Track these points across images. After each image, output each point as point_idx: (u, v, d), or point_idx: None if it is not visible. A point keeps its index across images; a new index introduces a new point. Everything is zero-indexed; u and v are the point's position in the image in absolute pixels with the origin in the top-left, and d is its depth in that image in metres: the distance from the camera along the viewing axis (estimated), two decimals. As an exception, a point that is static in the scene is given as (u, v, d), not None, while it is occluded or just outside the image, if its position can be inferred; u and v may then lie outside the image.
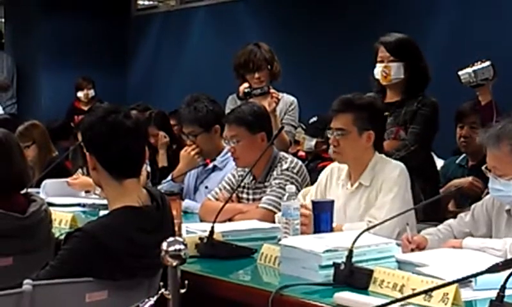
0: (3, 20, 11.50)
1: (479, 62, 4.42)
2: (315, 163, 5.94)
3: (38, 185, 5.51)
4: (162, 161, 6.19)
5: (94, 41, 10.37)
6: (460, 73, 4.42)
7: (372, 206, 3.75)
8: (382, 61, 4.58)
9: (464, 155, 5.27)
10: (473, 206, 3.51)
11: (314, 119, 6.17)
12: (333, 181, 3.97)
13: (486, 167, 3.32)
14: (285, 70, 5.53)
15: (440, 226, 3.50)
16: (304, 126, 6.31)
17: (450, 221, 3.52)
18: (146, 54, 10.58)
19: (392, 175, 3.76)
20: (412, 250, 3.26)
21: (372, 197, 3.78)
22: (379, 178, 3.78)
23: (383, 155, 3.87)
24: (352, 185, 3.86)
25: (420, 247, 3.29)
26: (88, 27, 10.40)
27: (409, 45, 4.61)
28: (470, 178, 4.92)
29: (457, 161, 5.32)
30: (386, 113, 4.53)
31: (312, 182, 4.24)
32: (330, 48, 7.93)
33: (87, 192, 5.32)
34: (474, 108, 4.99)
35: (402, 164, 3.85)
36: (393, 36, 4.62)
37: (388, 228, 3.42)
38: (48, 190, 5.26)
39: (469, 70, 4.39)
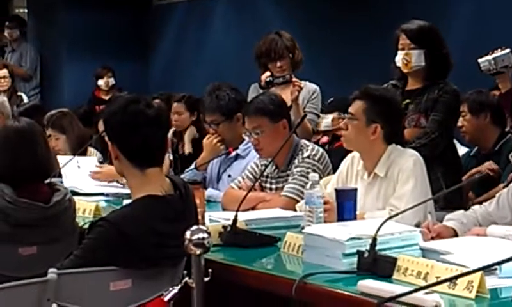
0: (26, 10, 11.56)
1: (499, 50, 4.39)
2: (332, 144, 5.94)
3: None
4: (190, 136, 6.23)
5: (116, 31, 10.40)
6: (480, 60, 4.39)
7: (390, 197, 3.74)
8: (403, 49, 4.55)
9: (476, 147, 5.27)
10: (498, 194, 3.48)
11: (331, 99, 6.25)
12: (353, 170, 3.95)
13: None
14: (307, 58, 5.51)
15: (466, 211, 3.48)
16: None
17: (476, 207, 3.50)
18: (168, 43, 10.59)
19: (408, 165, 3.74)
20: (432, 238, 3.24)
21: (390, 188, 3.76)
22: (395, 169, 3.75)
23: (398, 146, 3.84)
24: (368, 176, 3.85)
25: (440, 237, 3.27)
26: (110, 16, 10.43)
27: (430, 32, 4.57)
28: (486, 164, 4.92)
29: (471, 153, 5.32)
30: (408, 100, 4.52)
31: (333, 165, 4.23)
32: (352, 37, 7.90)
33: (109, 181, 5.32)
34: (468, 97, 5.07)
35: (416, 153, 3.83)
36: (414, 24, 4.59)
37: (407, 218, 3.40)
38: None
39: (489, 57, 4.36)
